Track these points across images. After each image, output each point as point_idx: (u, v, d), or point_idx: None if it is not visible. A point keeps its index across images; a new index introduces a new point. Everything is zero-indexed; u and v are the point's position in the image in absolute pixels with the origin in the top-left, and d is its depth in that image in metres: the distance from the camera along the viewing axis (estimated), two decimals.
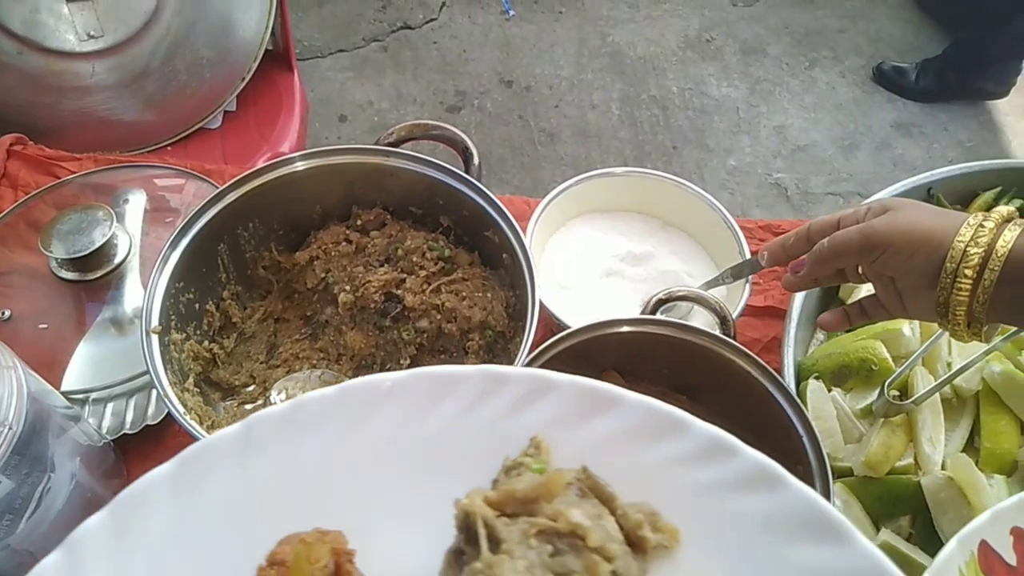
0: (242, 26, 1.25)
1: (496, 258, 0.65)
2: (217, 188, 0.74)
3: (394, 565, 0.31)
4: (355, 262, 0.67)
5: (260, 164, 0.65)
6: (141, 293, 0.71)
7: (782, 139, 2.01)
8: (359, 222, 0.68)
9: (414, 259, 0.65)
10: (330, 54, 2.13)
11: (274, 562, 0.30)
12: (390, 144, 0.67)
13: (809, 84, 2.13)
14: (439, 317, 0.64)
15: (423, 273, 0.65)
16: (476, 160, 0.68)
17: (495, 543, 0.29)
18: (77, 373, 0.67)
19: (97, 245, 0.68)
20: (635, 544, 0.30)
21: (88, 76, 1.16)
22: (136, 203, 0.76)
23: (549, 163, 1.94)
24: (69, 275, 0.70)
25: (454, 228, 0.68)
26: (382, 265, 0.66)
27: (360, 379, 0.34)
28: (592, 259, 0.74)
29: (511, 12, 2.25)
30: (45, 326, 0.68)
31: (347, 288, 0.66)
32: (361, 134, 1.93)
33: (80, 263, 0.69)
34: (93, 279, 0.70)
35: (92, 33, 1.13)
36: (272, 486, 0.33)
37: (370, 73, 2.10)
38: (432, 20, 2.23)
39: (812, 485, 0.54)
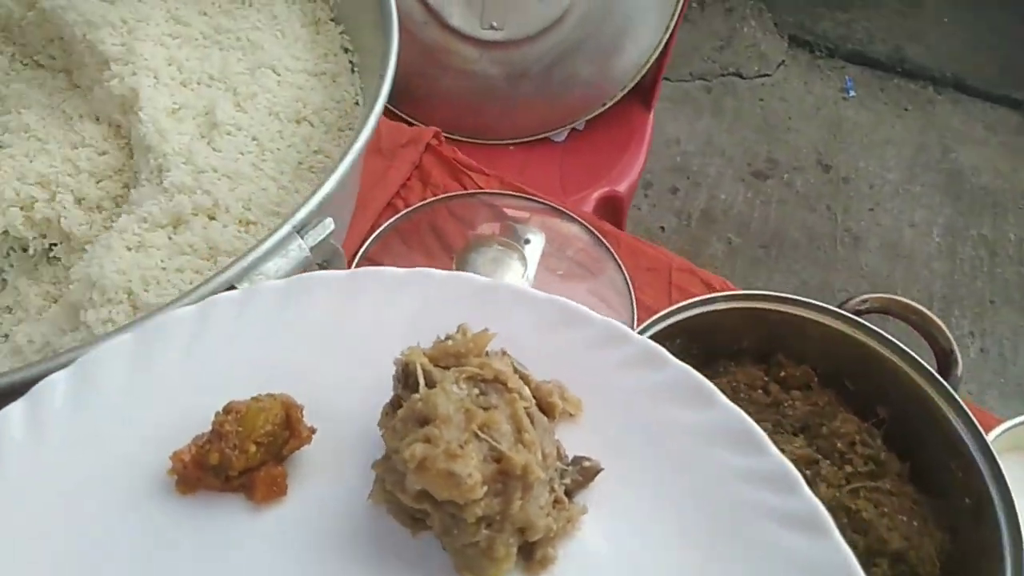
0: (627, 53, 1.21)
1: (941, 486, 0.55)
2: (609, 252, 0.70)
3: (339, 420, 0.37)
4: (765, 416, 0.60)
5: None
6: None
7: None
8: (782, 373, 0.61)
9: (839, 445, 0.57)
10: None
11: (229, 410, 0.35)
12: (856, 311, 0.59)
13: None
14: (846, 522, 0.55)
15: (848, 469, 0.56)
16: (959, 371, 0.57)
17: (431, 384, 0.34)
18: None
19: None
20: (546, 410, 0.37)
21: (473, 62, 1.17)
22: (535, 247, 0.73)
23: (845, 268, 1.78)
24: None
25: (890, 423, 0.59)
26: (796, 434, 0.58)
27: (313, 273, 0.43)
28: None
29: (851, 92, 2.08)
30: None
31: None
32: (659, 170, 1.86)
33: None
34: None
35: (495, 24, 1.14)
36: (227, 361, 0.39)
37: (686, 110, 2.02)
38: (765, 76, 2.11)
39: None
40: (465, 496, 0.31)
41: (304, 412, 0.36)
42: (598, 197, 1.21)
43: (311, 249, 0.48)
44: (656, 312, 0.70)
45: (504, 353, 0.37)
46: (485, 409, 0.33)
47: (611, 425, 0.38)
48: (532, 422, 0.34)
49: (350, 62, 0.68)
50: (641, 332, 0.55)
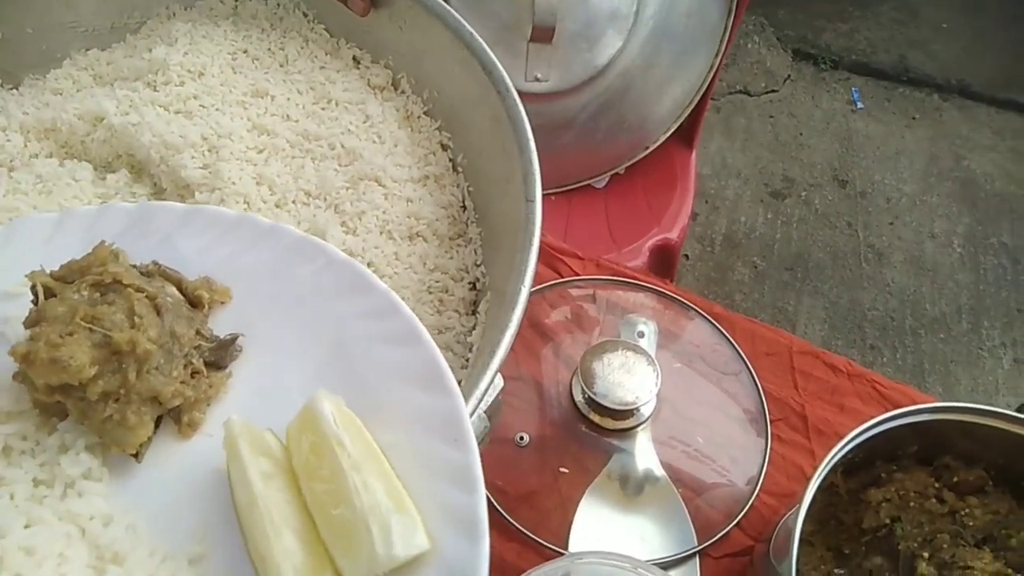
0: (671, 96, 1.17)
1: None
2: (725, 337, 0.66)
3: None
4: (940, 527, 0.55)
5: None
6: (652, 451, 0.63)
7: None
8: (954, 479, 0.57)
9: None
10: None
11: None
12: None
13: None
14: None
15: None
16: None
17: (50, 296, 0.39)
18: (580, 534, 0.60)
19: (642, 403, 0.61)
20: (195, 302, 0.43)
21: None
22: (650, 339, 0.68)
23: (872, 286, 1.76)
24: (591, 415, 0.63)
25: None
26: (980, 546, 0.54)
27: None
28: None
29: (859, 104, 2.06)
30: (566, 471, 0.62)
31: (925, 556, 0.54)
32: None
33: (611, 412, 0.62)
34: (610, 428, 0.63)
35: (539, 76, 1.09)
36: None
37: None
38: (773, 92, 2.08)
39: None
40: (75, 376, 0.35)
41: None
42: (651, 247, 1.16)
43: (486, 412, 0.43)
44: (791, 406, 0.66)
45: (155, 263, 0.44)
46: (108, 305, 0.38)
47: (258, 304, 0.44)
48: (160, 311, 0.40)
49: (450, 160, 0.62)
50: (827, 463, 0.51)
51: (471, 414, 0.40)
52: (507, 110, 0.53)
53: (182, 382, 0.39)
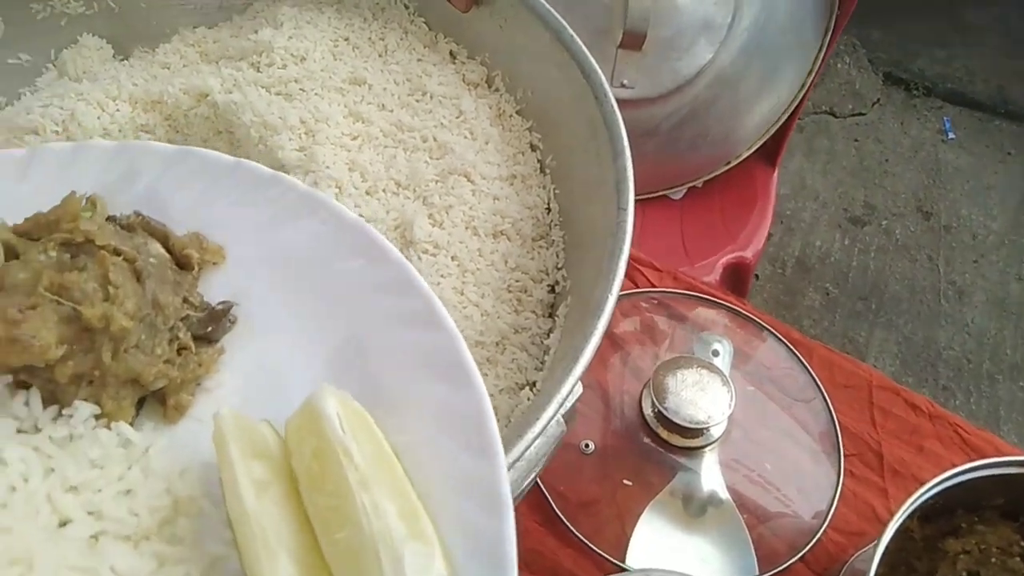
0: (759, 111, 1.14)
1: None
2: (803, 364, 0.64)
3: None
4: None
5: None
6: (718, 473, 0.62)
7: None
8: None
9: None
10: None
11: None
12: None
13: None
14: None
15: None
16: None
17: (13, 256, 0.34)
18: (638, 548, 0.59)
19: (714, 424, 0.59)
20: (182, 262, 0.38)
21: None
22: (724, 358, 0.67)
23: (950, 325, 1.68)
24: (659, 430, 0.62)
25: None
26: None
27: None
28: None
29: (951, 135, 1.98)
30: (629, 483, 0.61)
31: None
32: None
33: (680, 429, 0.61)
34: (677, 445, 0.62)
35: (626, 83, 1.08)
36: None
37: None
38: (860, 115, 2.02)
39: None
40: (39, 358, 0.31)
41: None
42: (724, 264, 1.14)
43: (564, 417, 0.42)
44: (866, 442, 0.64)
45: (137, 213, 0.39)
46: (78, 271, 0.33)
47: (256, 267, 0.39)
48: (141, 277, 0.35)
49: (538, 161, 0.62)
50: (908, 507, 0.49)
51: (551, 417, 0.39)
52: (604, 115, 0.53)
53: (166, 361, 0.34)
